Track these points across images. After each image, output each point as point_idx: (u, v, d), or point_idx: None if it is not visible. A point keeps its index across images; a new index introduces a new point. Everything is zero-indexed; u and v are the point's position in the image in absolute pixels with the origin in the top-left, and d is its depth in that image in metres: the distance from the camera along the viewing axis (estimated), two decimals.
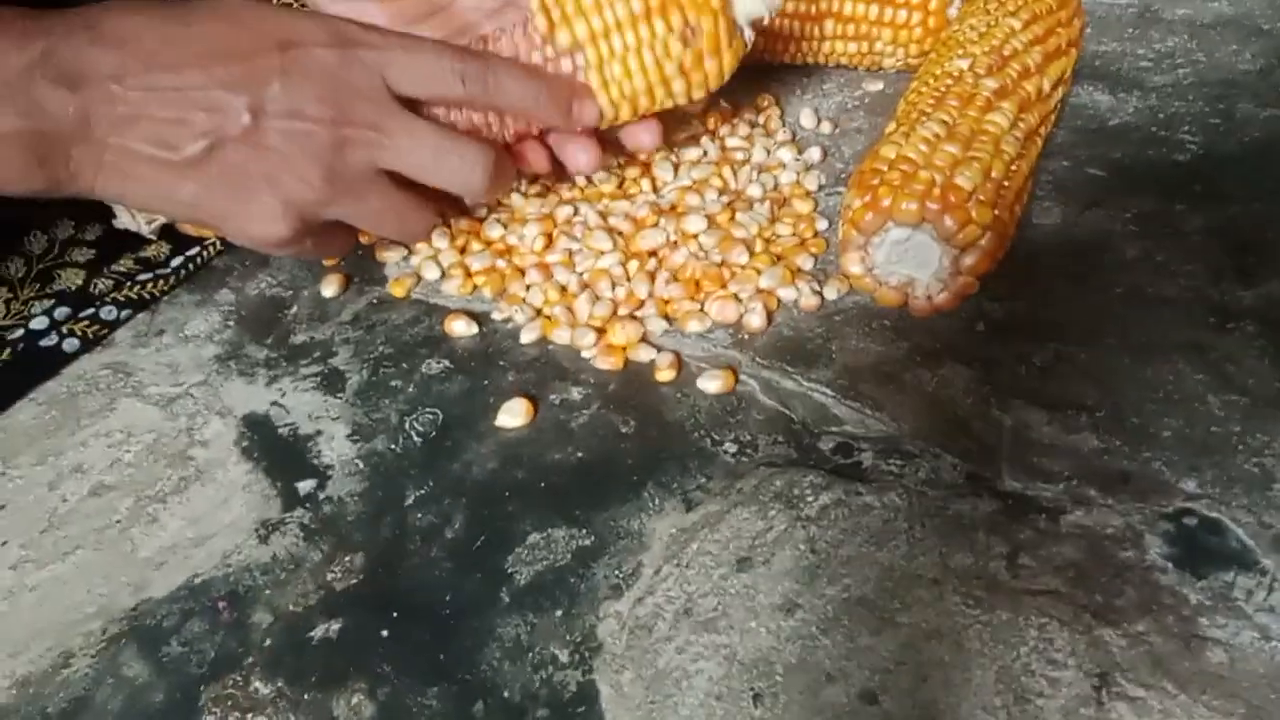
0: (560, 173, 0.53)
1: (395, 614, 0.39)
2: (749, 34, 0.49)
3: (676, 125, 0.59)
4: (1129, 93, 0.62)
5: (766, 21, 0.50)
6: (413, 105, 0.45)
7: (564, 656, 0.37)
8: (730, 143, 0.59)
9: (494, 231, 0.55)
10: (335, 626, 0.39)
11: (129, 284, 0.54)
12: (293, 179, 0.43)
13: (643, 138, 0.51)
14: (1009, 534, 0.39)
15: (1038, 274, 0.50)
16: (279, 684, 0.37)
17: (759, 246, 0.52)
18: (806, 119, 0.62)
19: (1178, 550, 0.38)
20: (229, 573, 0.41)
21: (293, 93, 0.42)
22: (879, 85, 0.65)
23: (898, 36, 0.63)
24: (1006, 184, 0.47)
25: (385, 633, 0.38)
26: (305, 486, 0.44)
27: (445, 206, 0.54)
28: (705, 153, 0.59)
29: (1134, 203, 0.54)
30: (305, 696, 0.37)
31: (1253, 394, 0.43)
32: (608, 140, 0.51)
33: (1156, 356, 0.45)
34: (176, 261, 0.56)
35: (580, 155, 0.50)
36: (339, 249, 0.52)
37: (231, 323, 0.53)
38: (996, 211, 0.46)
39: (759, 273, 0.50)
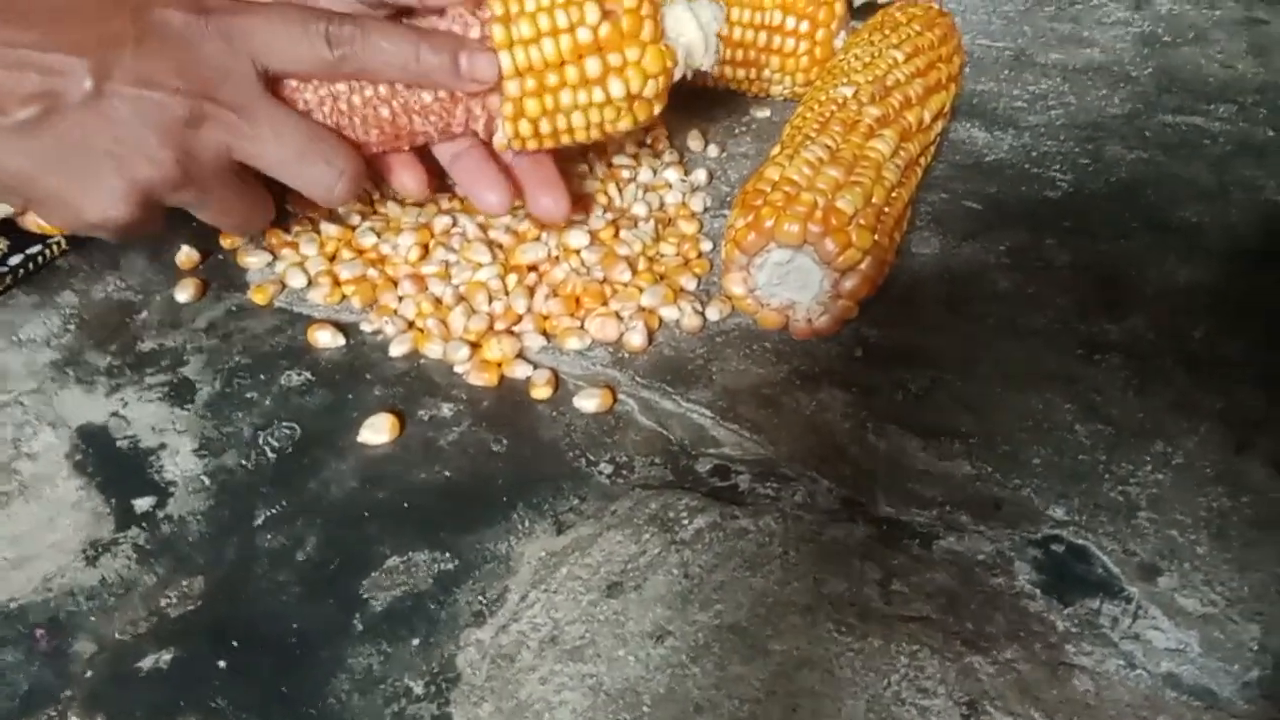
0: (437, 183, 0.50)
1: (235, 643, 0.36)
2: (681, 55, 0.46)
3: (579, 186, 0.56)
4: (1004, 130, 0.63)
5: (705, 67, 0.47)
6: (279, 95, 0.42)
7: (419, 688, 0.35)
8: (616, 160, 0.58)
9: (367, 240, 0.52)
10: (167, 657, 0.36)
11: None
12: (140, 157, 0.39)
13: (544, 202, 0.48)
14: (882, 560, 0.39)
15: (915, 302, 0.51)
16: None
17: (642, 265, 0.51)
18: (694, 141, 0.62)
19: (1046, 577, 0.38)
20: (49, 598, 0.37)
21: (146, 60, 0.38)
22: (766, 112, 0.65)
23: (785, 65, 0.63)
24: (887, 210, 0.47)
25: (223, 663, 0.35)
26: (143, 504, 0.41)
27: (291, 202, 0.51)
28: (590, 169, 0.57)
29: (1007, 236, 0.55)
30: None
31: (1118, 424, 0.44)
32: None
33: (1028, 386, 0.46)
34: (15, 260, 0.51)
35: (488, 195, 0.47)
36: (155, 230, 0.44)
37: (72, 327, 0.49)
38: (877, 237, 0.46)
39: (641, 291, 0.49)
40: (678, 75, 0.46)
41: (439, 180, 0.50)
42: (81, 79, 0.38)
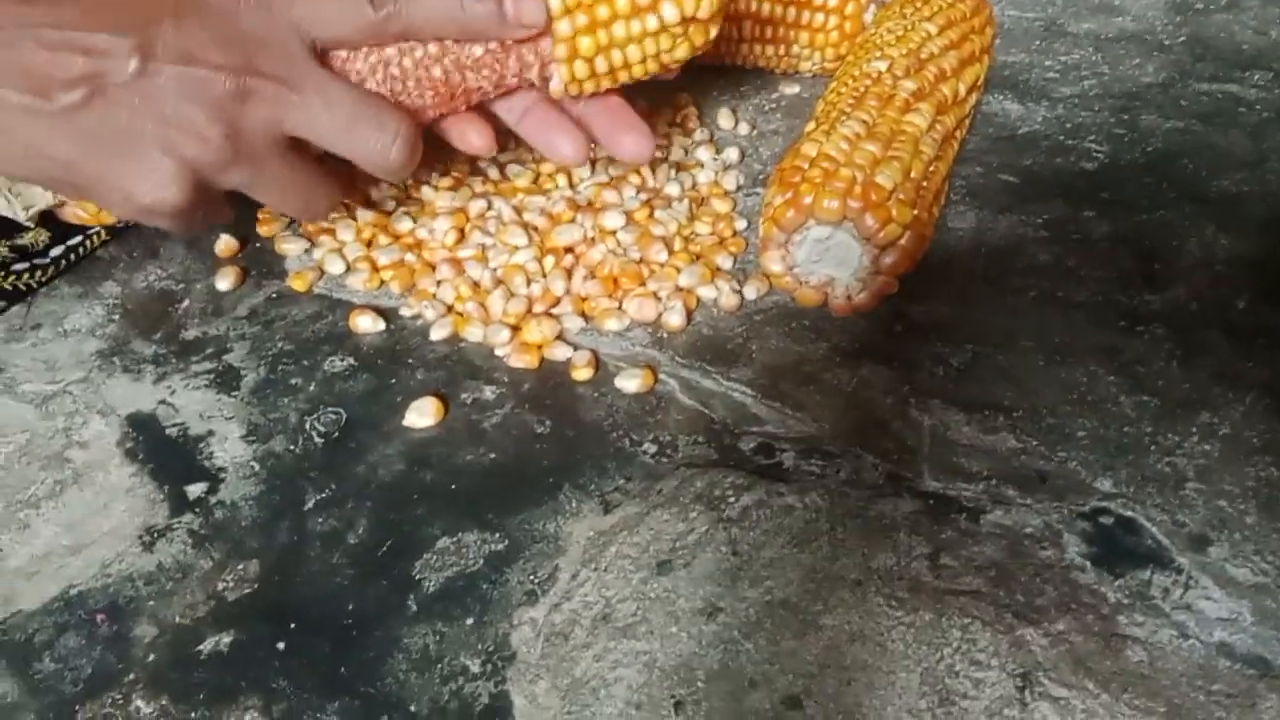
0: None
1: (292, 625, 0.37)
2: None
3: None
4: (1037, 102, 0.63)
5: None
6: (329, 68, 0.41)
7: (475, 667, 0.35)
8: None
9: (403, 225, 0.52)
10: (226, 639, 0.36)
11: (2, 274, 0.50)
12: (188, 135, 0.38)
13: (626, 143, 0.47)
14: (930, 534, 0.39)
15: (953, 277, 0.50)
16: (163, 702, 0.34)
17: (678, 245, 0.51)
18: (724, 120, 0.62)
19: (1095, 549, 0.38)
20: (109, 583, 0.38)
21: (188, 35, 0.38)
22: (795, 89, 0.65)
23: (814, 40, 0.63)
24: (925, 184, 0.47)
25: (281, 645, 0.36)
26: (195, 490, 0.41)
27: (349, 187, 0.50)
28: None
29: (1044, 209, 0.54)
30: (192, 715, 0.34)
31: (1163, 396, 0.44)
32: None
33: (1070, 359, 0.46)
34: (57, 251, 0.52)
35: (562, 145, 0.46)
36: (219, 219, 0.45)
37: (116, 316, 0.49)
38: (916, 211, 0.46)
39: (678, 271, 0.49)
40: None
41: (478, 155, 0.49)
42: (125, 59, 0.37)
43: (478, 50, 0.43)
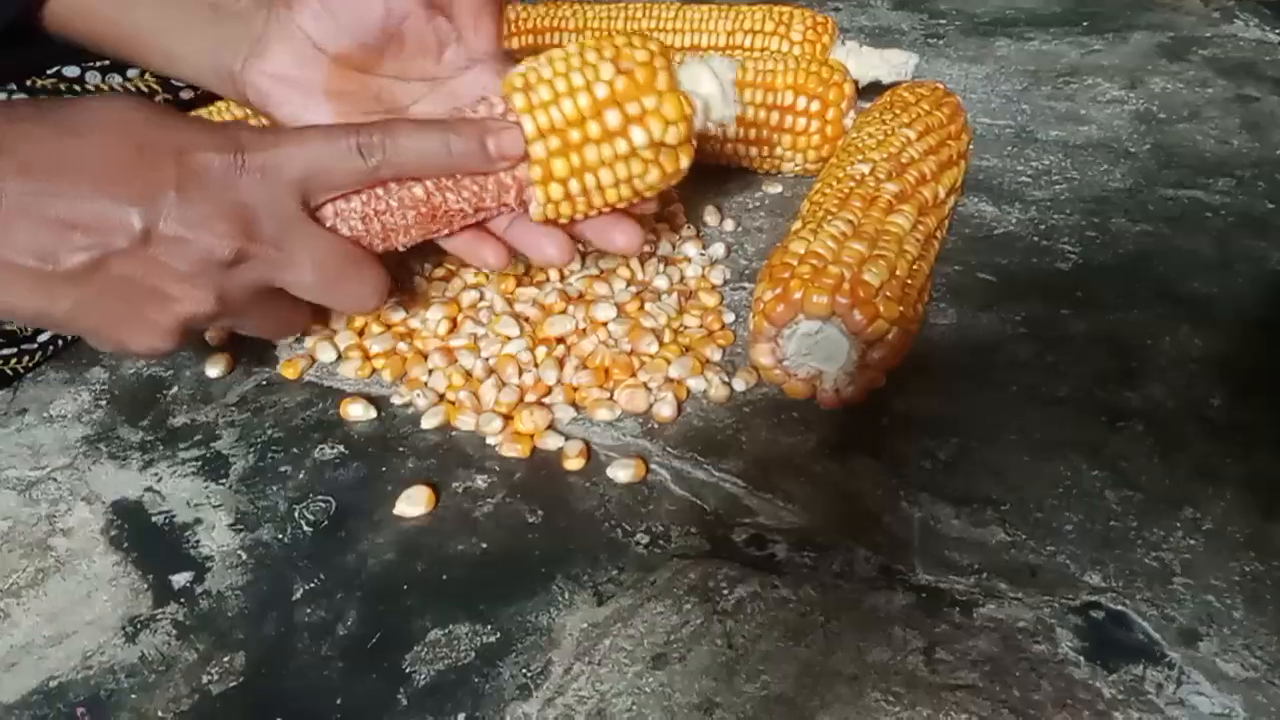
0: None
1: (279, 719, 0.36)
2: (700, 106, 0.46)
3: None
4: (1011, 205, 0.65)
5: (728, 119, 0.47)
6: (317, 214, 0.43)
7: None
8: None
9: (395, 314, 0.53)
10: None
11: None
12: (184, 296, 0.40)
13: (616, 237, 0.48)
14: (924, 628, 0.39)
15: (937, 372, 0.51)
16: None
17: (668, 337, 0.52)
18: (710, 217, 0.63)
19: (1088, 644, 0.38)
20: (89, 675, 0.37)
21: (190, 206, 0.39)
22: (778, 188, 0.67)
23: (796, 142, 0.65)
24: (910, 282, 0.49)
25: None
26: (180, 580, 0.41)
27: (320, 314, 0.52)
28: None
29: (1022, 307, 0.56)
30: None
31: (1146, 490, 0.44)
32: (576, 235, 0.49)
33: (1054, 453, 0.46)
34: (44, 336, 0.52)
35: (547, 248, 0.47)
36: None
37: (103, 403, 0.49)
38: (902, 308, 0.47)
39: (668, 362, 0.50)
40: (699, 124, 0.46)
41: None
42: (130, 229, 0.39)
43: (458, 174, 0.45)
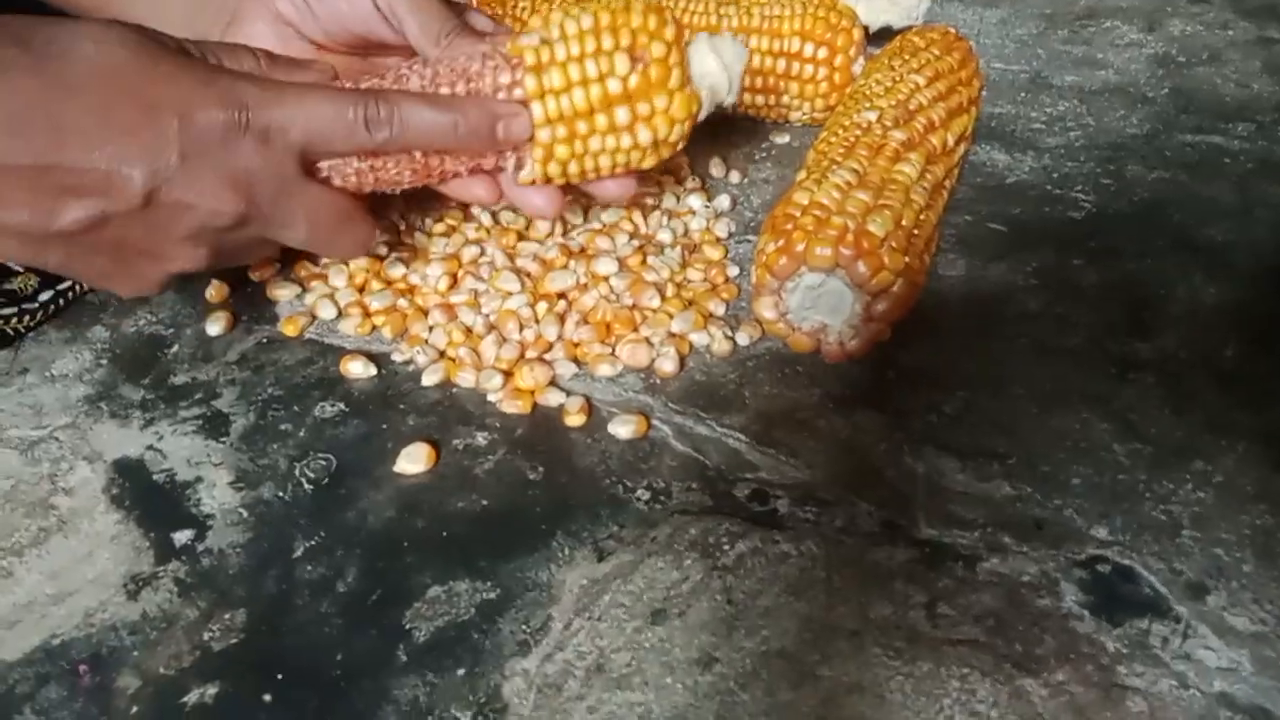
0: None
1: (280, 676, 0.36)
2: (705, 97, 0.46)
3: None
4: (1024, 152, 0.63)
5: (727, 105, 0.48)
6: (313, 170, 0.43)
7: (466, 719, 0.34)
8: (639, 187, 0.58)
9: (395, 270, 0.52)
10: (212, 691, 0.35)
11: None
12: (179, 254, 0.41)
13: (608, 184, 0.48)
14: (927, 582, 0.38)
15: (945, 324, 0.51)
16: None
17: (670, 291, 0.51)
18: (715, 168, 0.62)
19: (1093, 598, 0.38)
20: (92, 633, 0.37)
21: (193, 171, 0.39)
22: (785, 138, 0.66)
23: (804, 90, 0.64)
24: (916, 232, 0.48)
25: (268, 697, 0.35)
26: (182, 537, 0.41)
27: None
28: None
29: (1033, 257, 0.55)
30: None
31: (1156, 443, 0.44)
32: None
33: (1062, 406, 0.46)
34: (45, 296, 0.51)
35: (534, 199, 0.47)
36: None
37: (104, 361, 0.49)
38: (908, 259, 0.46)
39: (671, 317, 0.49)
40: (702, 116, 0.47)
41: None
42: (132, 192, 0.38)
43: None
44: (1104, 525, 0.40)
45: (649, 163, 0.47)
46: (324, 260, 0.53)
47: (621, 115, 0.45)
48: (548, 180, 0.47)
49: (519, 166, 0.46)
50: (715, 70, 0.46)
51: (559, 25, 0.44)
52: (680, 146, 0.47)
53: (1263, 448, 0.43)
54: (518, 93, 0.44)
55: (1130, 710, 0.34)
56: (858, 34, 0.63)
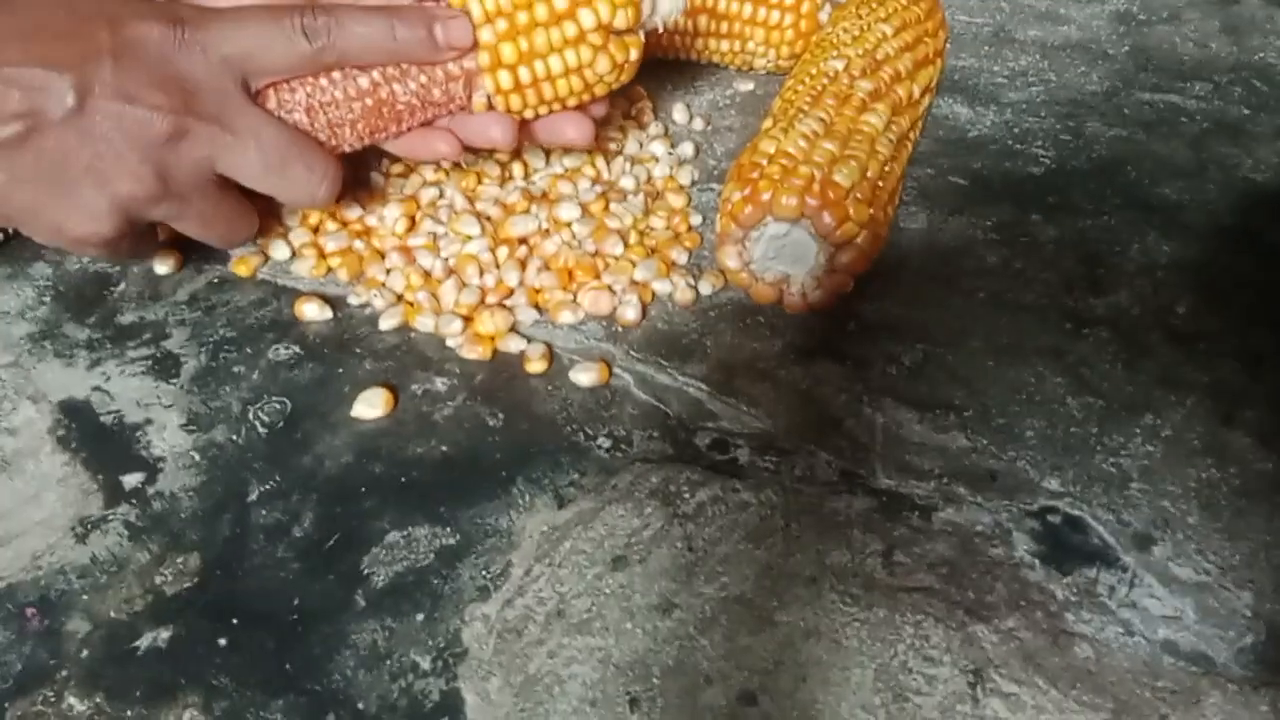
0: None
1: (235, 621, 0.35)
2: (647, 8, 0.45)
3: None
4: (986, 107, 0.63)
5: (677, 12, 0.47)
6: (265, 100, 0.42)
7: (425, 664, 0.34)
8: (603, 132, 0.58)
9: (352, 212, 0.51)
10: (165, 635, 0.35)
11: None
12: (122, 172, 0.39)
13: (567, 129, 0.47)
14: (883, 531, 0.39)
15: (905, 277, 0.51)
16: (97, 700, 0.33)
17: (633, 238, 0.50)
18: (679, 114, 0.61)
19: (1044, 547, 0.38)
20: (39, 576, 0.36)
21: (126, 74, 0.38)
22: (750, 85, 0.65)
23: (769, 37, 0.63)
24: (881, 184, 0.47)
25: (223, 641, 0.35)
26: (131, 480, 0.40)
27: (268, 215, 0.50)
28: None
29: (993, 212, 0.55)
30: (128, 713, 0.33)
31: (1108, 397, 0.44)
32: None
33: (1018, 359, 0.46)
34: None
35: (492, 129, 0.46)
36: (147, 251, 0.48)
37: (47, 299, 0.47)
38: (872, 211, 0.46)
39: (634, 264, 0.49)
40: (647, 10, 0.45)
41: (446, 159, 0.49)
42: (63, 96, 0.37)
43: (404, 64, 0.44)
44: (1055, 477, 0.41)
45: (603, 65, 0.45)
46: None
47: (560, 0, 0.43)
48: (506, 104, 0.45)
49: (471, 92, 0.45)
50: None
51: None
52: (633, 54, 0.45)
53: (1211, 403, 0.44)
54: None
55: (1077, 656, 0.35)
56: None
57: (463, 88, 0.45)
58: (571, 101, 0.46)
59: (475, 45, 0.44)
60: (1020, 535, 0.39)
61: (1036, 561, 0.38)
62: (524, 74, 0.44)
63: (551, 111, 0.47)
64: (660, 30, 0.48)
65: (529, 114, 0.46)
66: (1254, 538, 0.39)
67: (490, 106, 0.45)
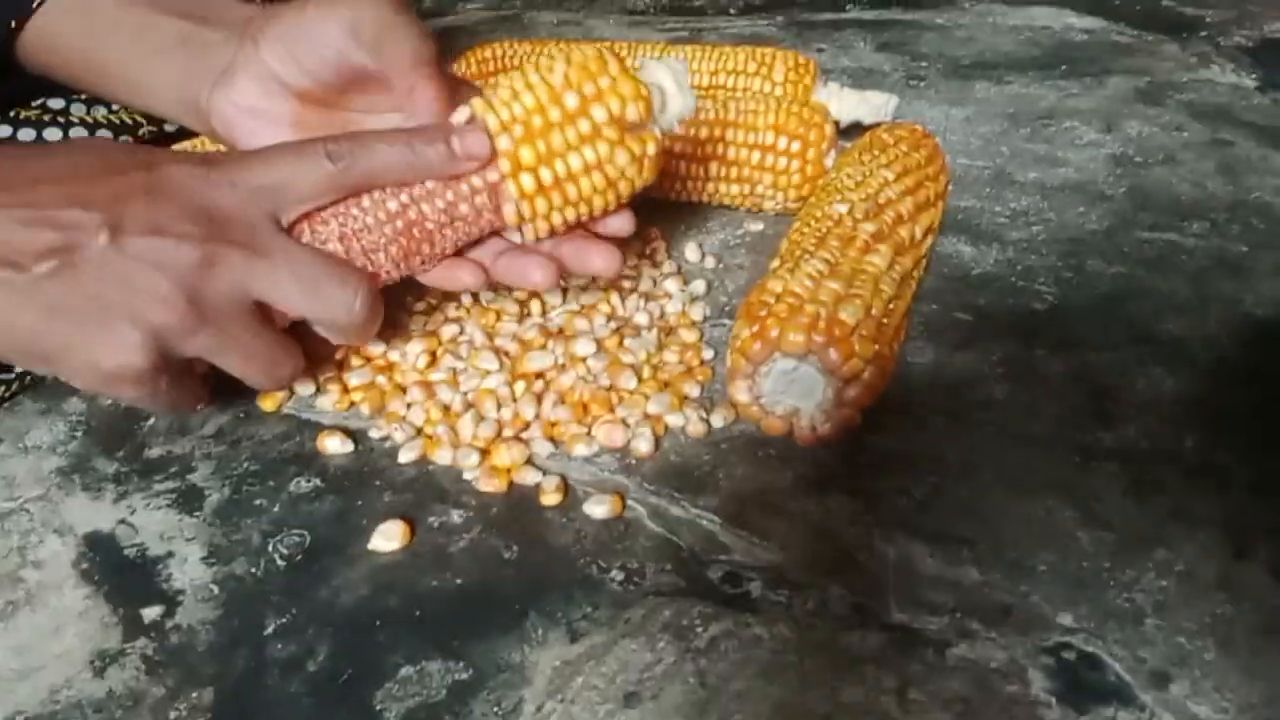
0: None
1: None
2: (655, 93, 0.47)
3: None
4: (989, 245, 0.66)
5: (687, 113, 0.49)
6: (297, 235, 0.44)
7: None
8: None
9: (375, 347, 0.53)
10: None
11: None
12: (154, 301, 0.40)
13: (594, 259, 0.49)
14: (898, 667, 0.39)
15: (914, 410, 0.52)
16: None
17: (647, 373, 0.52)
18: (691, 253, 0.64)
19: (1059, 685, 0.38)
20: (57, 710, 0.37)
21: (157, 209, 0.40)
22: (760, 226, 0.68)
23: (778, 181, 0.66)
24: (885, 321, 0.49)
25: None
26: (151, 613, 0.40)
27: (313, 356, 0.51)
28: (594, 278, 0.59)
29: (999, 347, 0.56)
30: None
31: (1119, 531, 0.45)
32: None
33: (1028, 493, 0.47)
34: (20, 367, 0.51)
35: (533, 273, 0.48)
36: (191, 400, 0.45)
37: (79, 434, 0.49)
38: (878, 347, 0.47)
39: (647, 398, 0.50)
40: (658, 110, 0.48)
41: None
42: (96, 231, 0.39)
43: (429, 183, 0.46)
44: (1069, 612, 0.41)
45: (622, 159, 0.46)
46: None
47: (571, 101, 0.45)
48: (533, 210, 0.47)
49: (497, 204, 0.47)
50: (663, 75, 0.48)
51: (503, 75, 0.47)
52: (650, 149, 0.47)
53: (1223, 536, 0.44)
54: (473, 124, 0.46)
55: None
56: (829, 129, 0.65)
57: (489, 199, 0.46)
58: (598, 202, 0.48)
59: (494, 155, 0.46)
60: (1035, 672, 0.39)
61: (1053, 699, 0.38)
62: (545, 175, 0.46)
63: (579, 217, 0.48)
64: (675, 130, 0.49)
65: (557, 219, 0.48)
66: (1271, 676, 0.38)
67: (520, 217, 0.47)
